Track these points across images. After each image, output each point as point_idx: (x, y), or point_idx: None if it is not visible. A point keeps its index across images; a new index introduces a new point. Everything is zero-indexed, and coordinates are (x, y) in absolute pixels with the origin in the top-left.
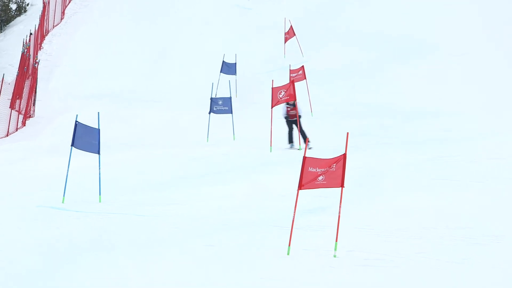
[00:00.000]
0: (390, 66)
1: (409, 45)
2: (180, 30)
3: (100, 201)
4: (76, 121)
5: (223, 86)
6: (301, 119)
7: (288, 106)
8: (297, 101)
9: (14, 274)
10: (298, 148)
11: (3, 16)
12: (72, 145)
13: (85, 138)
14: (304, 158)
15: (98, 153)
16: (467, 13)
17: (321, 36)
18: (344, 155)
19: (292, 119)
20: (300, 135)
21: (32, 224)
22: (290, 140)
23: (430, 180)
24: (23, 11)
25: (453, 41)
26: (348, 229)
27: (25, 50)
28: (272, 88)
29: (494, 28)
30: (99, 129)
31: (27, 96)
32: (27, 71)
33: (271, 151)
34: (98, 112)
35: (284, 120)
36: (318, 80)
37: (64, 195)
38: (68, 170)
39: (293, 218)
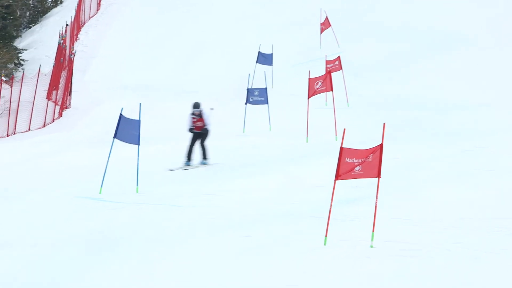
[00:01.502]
0: (423, 59)
1: (441, 38)
2: (216, 21)
3: (137, 192)
4: (120, 113)
5: (259, 77)
6: (209, 134)
7: (193, 116)
8: (203, 110)
9: (51, 265)
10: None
11: (39, 7)
12: (115, 136)
13: (127, 129)
14: (341, 148)
15: (138, 144)
16: (497, 6)
17: (356, 27)
18: (381, 146)
19: (197, 131)
20: (201, 151)
21: (70, 215)
22: (189, 157)
23: (466, 171)
24: (59, 2)
25: (483, 34)
26: (385, 220)
27: (62, 41)
28: (309, 78)
29: None
30: (140, 120)
31: (63, 87)
32: (64, 62)
33: (307, 142)
34: (140, 103)
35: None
36: (353, 71)
37: (101, 186)
38: (108, 161)
39: (330, 208)
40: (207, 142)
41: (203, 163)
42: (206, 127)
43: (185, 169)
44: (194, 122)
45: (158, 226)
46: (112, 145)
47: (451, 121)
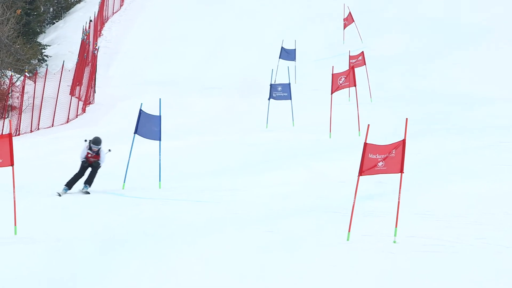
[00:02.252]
0: (447, 53)
1: (466, 32)
2: (239, 16)
3: (160, 188)
4: (140, 109)
5: (282, 72)
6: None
7: (90, 152)
8: (101, 148)
9: (75, 260)
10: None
11: (63, 3)
12: (135, 132)
13: (148, 125)
14: (365, 144)
15: (159, 139)
16: None
17: (379, 22)
18: (404, 141)
19: (89, 164)
20: (89, 177)
21: (93, 211)
22: (70, 185)
23: (489, 166)
24: None
25: (511, 27)
26: (408, 215)
27: (85, 37)
28: (332, 74)
29: None
30: (160, 116)
31: (87, 83)
32: (87, 58)
33: (330, 137)
34: (160, 99)
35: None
36: (377, 66)
37: (124, 182)
38: (129, 157)
39: (353, 204)
40: (97, 173)
41: (85, 189)
42: (98, 161)
43: (60, 195)
44: (88, 157)
45: (182, 222)
46: (133, 141)
47: (475, 116)
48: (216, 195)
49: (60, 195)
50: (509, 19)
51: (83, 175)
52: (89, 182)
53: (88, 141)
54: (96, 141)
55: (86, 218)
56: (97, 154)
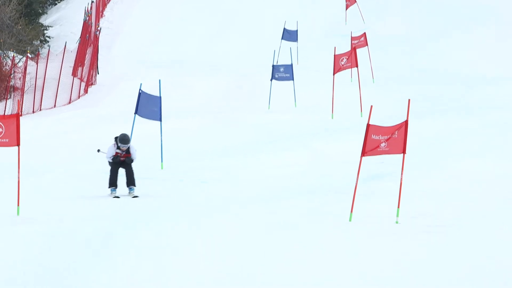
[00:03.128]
0: (450, 33)
1: (469, 12)
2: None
3: (162, 168)
4: (140, 89)
5: (285, 53)
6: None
7: (118, 151)
8: (131, 145)
9: (77, 240)
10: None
11: None
12: (136, 113)
13: (148, 106)
14: (368, 125)
15: (160, 120)
16: None
17: (381, 3)
18: (406, 122)
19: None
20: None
21: (95, 191)
22: (114, 182)
23: (492, 146)
24: None
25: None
26: (410, 196)
27: (87, 18)
28: (334, 55)
29: None
30: (160, 97)
31: (89, 64)
32: (89, 39)
33: (332, 118)
34: (159, 80)
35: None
36: (379, 47)
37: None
38: (131, 137)
39: (356, 184)
40: (133, 170)
41: (132, 191)
42: (130, 157)
43: (119, 197)
44: (118, 154)
45: (184, 202)
46: (134, 121)
47: (478, 96)
48: (218, 175)
49: (118, 197)
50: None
51: (118, 171)
52: (131, 182)
53: (115, 140)
54: (124, 140)
55: (89, 198)
56: (127, 152)
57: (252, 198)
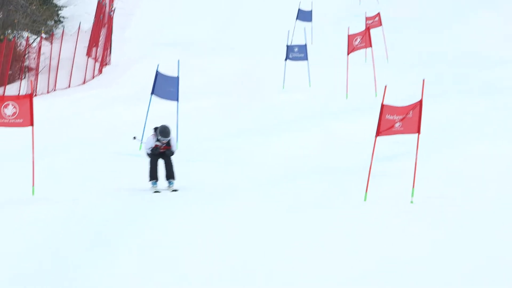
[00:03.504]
0: (465, 14)
1: None
2: None
3: (177, 148)
4: (157, 70)
5: (299, 33)
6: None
7: (157, 144)
8: (172, 137)
9: (92, 220)
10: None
11: None
12: (152, 93)
13: (164, 86)
14: (382, 105)
15: (177, 100)
16: None
17: None
18: (421, 102)
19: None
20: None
21: (110, 171)
22: (155, 175)
23: (508, 127)
24: None
25: None
26: (426, 175)
27: None
28: (348, 35)
29: None
30: (178, 77)
31: (103, 44)
32: (103, 19)
33: (347, 98)
34: (178, 60)
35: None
36: (393, 28)
37: (141, 143)
38: (146, 118)
39: (371, 164)
40: (173, 163)
41: (171, 185)
42: (171, 150)
43: (159, 191)
44: (157, 146)
45: (198, 183)
46: (150, 101)
47: (494, 77)
48: (232, 156)
49: (159, 191)
50: None
51: (157, 162)
52: (171, 175)
53: (154, 131)
54: (164, 133)
55: (104, 178)
56: (167, 144)
57: (266, 178)
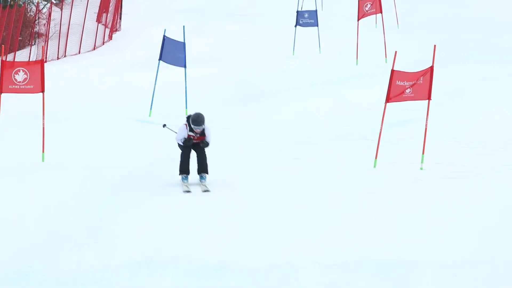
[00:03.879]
0: None
1: None
2: None
3: (186, 114)
4: (164, 35)
5: None
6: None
7: (191, 134)
8: (206, 126)
9: (101, 186)
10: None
11: None
12: (160, 58)
13: (172, 52)
14: (392, 71)
15: (185, 66)
16: None
17: None
18: (431, 68)
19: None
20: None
21: (120, 139)
22: (186, 169)
23: None
24: None
25: None
26: (435, 142)
27: None
28: (359, 1)
29: None
30: (185, 43)
31: (113, 10)
32: None
33: (357, 64)
34: (183, 26)
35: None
36: None
37: (151, 109)
38: (155, 84)
39: (380, 131)
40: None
41: (204, 181)
42: (205, 140)
43: (190, 191)
44: (190, 137)
45: (209, 149)
46: (158, 67)
47: (504, 43)
48: (244, 122)
49: (189, 191)
50: None
51: (190, 155)
52: (203, 169)
53: (187, 120)
54: (198, 121)
55: (114, 146)
56: (201, 134)
57: (277, 145)
